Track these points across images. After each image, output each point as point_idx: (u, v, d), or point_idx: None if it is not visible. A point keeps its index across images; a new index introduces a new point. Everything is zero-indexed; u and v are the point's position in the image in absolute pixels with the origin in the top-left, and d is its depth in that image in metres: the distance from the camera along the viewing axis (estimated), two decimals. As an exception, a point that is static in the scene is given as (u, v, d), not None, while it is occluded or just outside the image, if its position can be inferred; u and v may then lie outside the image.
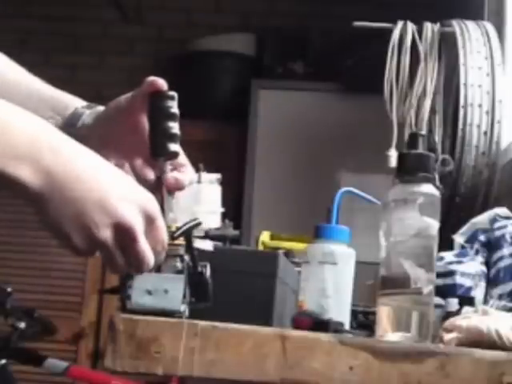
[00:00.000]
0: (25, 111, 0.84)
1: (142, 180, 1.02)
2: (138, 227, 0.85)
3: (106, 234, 0.83)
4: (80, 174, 0.83)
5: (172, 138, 1.00)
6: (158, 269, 0.93)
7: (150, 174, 1.04)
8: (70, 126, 1.09)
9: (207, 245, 0.99)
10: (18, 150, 0.80)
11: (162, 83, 1.02)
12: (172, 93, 1.01)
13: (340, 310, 1.14)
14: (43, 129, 0.84)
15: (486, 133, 2.45)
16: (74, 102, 1.13)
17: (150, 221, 0.86)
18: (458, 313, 1.21)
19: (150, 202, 0.87)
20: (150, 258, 0.87)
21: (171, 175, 1.01)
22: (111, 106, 1.08)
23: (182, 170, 1.04)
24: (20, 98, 1.10)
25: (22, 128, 0.82)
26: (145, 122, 1.04)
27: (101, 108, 1.11)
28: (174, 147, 1.00)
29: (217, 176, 1.21)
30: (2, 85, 1.14)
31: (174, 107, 1.01)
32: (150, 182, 1.03)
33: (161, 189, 1.01)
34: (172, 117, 1.01)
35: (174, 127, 1.00)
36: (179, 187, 1.02)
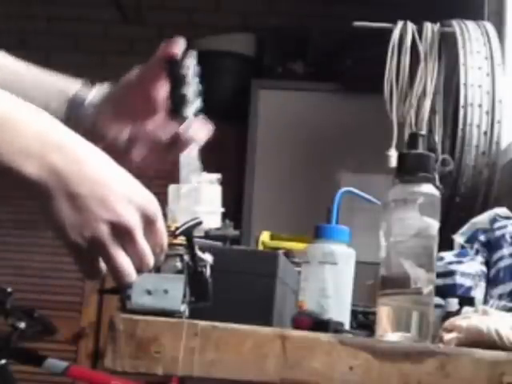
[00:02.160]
0: (31, 106, 0.84)
1: (156, 141, 1.12)
2: (136, 227, 0.85)
3: (103, 229, 0.83)
4: (84, 171, 0.83)
5: (186, 103, 1.07)
6: (157, 269, 0.93)
7: (165, 135, 1.12)
8: (78, 106, 1.14)
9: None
10: (24, 146, 0.81)
11: (177, 48, 1.07)
12: (187, 58, 1.06)
13: (340, 310, 1.14)
14: (50, 124, 0.84)
15: (486, 133, 2.45)
16: (75, 84, 1.18)
17: (149, 222, 0.86)
18: (457, 313, 1.21)
19: (151, 203, 0.87)
20: (149, 259, 0.87)
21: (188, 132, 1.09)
22: (123, 81, 1.15)
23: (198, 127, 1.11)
24: (24, 85, 1.14)
25: (30, 124, 0.82)
26: (158, 89, 1.11)
27: (104, 86, 1.18)
28: (189, 112, 1.08)
29: (217, 176, 1.21)
30: (5, 75, 1.16)
31: (188, 71, 1.06)
32: (164, 142, 1.11)
33: (178, 147, 1.09)
34: (187, 83, 1.07)
35: (190, 91, 1.07)
36: (197, 140, 1.10)
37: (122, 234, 0.84)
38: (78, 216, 0.83)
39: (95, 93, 1.17)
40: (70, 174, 0.82)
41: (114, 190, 0.84)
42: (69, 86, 1.18)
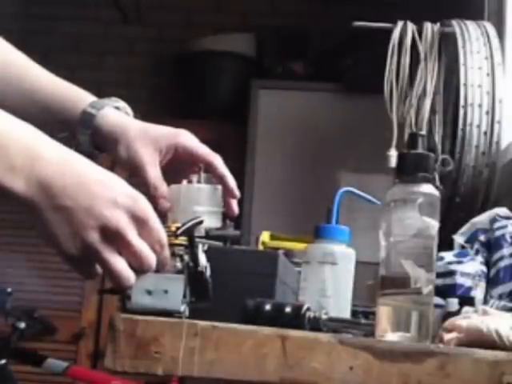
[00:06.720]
0: (18, 120, 0.85)
1: None
2: (126, 229, 0.85)
3: (93, 236, 0.84)
4: (71, 183, 0.84)
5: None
6: (157, 269, 0.93)
7: None
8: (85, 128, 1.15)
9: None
10: (12, 162, 0.82)
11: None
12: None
13: (340, 310, 1.14)
14: (36, 139, 0.85)
15: (485, 133, 2.45)
16: (79, 102, 1.17)
17: (141, 221, 0.86)
18: (457, 313, 1.21)
19: (138, 203, 0.87)
20: (149, 258, 0.87)
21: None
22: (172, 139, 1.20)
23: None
24: (20, 100, 1.14)
25: (17, 139, 0.83)
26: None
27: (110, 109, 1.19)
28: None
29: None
30: (3, 80, 1.17)
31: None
32: None
33: None
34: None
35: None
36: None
37: (113, 238, 0.85)
38: (67, 228, 0.84)
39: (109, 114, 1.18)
40: (56, 187, 0.83)
41: (99, 196, 0.85)
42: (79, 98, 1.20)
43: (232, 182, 1.20)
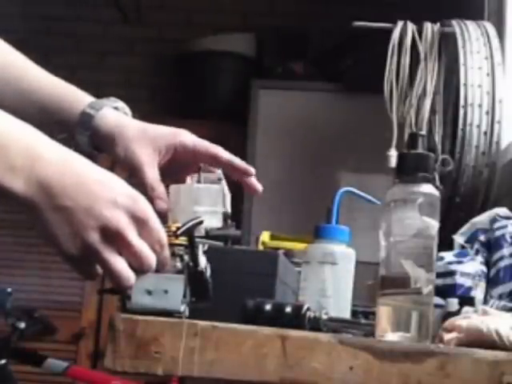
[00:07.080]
0: (17, 120, 0.85)
1: None
2: (126, 229, 0.85)
3: (93, 237, 0.84)
4: (70, 183, 0.84)
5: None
6: (157, 269, 0.93)
7: None
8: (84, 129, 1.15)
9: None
10: (12, 162, 0.82)
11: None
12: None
13: (340, 310, 1.14)
14: (36, 139, 0.85)
15: (485, 133, 2.45)
16: (76, 103, 1.17)
17: (141, 222, 0.86)
18: (457, 313, 1.21)
19: (140, 204, 0.87)
20: (149, 258, 0.87)
21: None
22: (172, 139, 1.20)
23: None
24: (18, 101, 1.14)
25: (17, 140, 0.83)
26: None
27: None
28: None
29: (218, 175, 1.21)
30: (2, 80, 1.17)
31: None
32: None
33: None
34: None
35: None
36: None
37: (113, 238, 0.85)
38: (67, 228, 0.84)
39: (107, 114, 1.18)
40: (56, 188, 0.83)
41: (99, 196, 0.85)
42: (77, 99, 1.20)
43: (241, 162, 1.19)
